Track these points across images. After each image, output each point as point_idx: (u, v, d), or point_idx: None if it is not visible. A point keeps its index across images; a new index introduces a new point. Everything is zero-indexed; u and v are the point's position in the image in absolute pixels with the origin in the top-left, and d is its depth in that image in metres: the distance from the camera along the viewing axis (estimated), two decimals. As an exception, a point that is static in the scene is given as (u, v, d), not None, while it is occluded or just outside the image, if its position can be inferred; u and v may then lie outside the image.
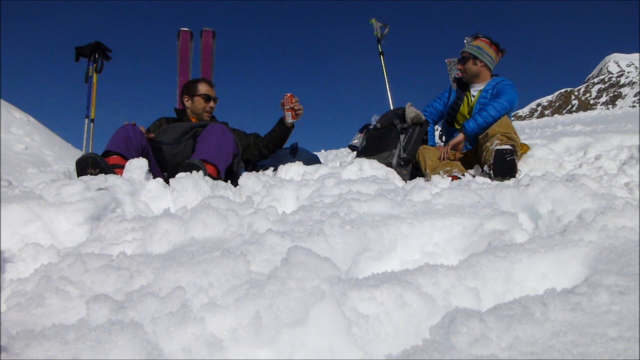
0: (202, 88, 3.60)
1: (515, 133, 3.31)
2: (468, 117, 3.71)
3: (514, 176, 2.99)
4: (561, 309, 0.87)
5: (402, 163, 3.46)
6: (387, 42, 6.00)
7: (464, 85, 3.87)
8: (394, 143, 3.51)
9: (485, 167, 3.09)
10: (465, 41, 5.07)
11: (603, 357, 0.72)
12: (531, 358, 0.74)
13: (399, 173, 3.27)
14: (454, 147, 3.47)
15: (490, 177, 3.03)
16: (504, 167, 2.97)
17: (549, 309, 0.87)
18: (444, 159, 3.42)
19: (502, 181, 2.88)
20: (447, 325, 0.85)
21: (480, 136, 3.30)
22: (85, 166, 2.67)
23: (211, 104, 3.55)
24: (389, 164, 3.36)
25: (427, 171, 3.37)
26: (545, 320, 0.84)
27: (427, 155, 3.46)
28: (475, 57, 3.70)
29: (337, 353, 0.83)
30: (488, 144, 3.15)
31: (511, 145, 3.09)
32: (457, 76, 3.96)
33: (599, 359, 0.72)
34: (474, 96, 3.74)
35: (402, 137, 3.53)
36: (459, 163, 3.44)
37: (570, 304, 0.88)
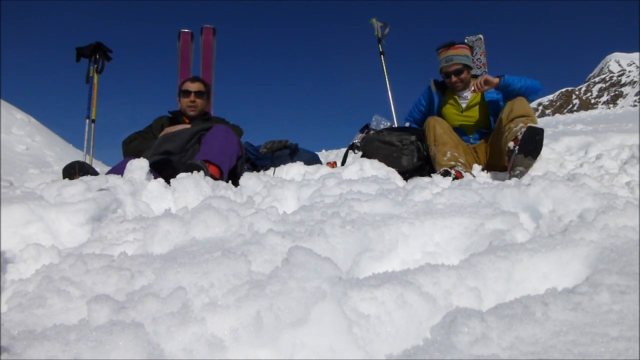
0: (184, 85, 3.66)
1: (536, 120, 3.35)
2: (458, 119, 3.71)
3: (536, 157, 3.02)
4: (562, 308, 0.87)
5: (425, 154, 3.55)
6: (387, 42, 6.01)
7: (443, 87, 3.85)
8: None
9: (511, 143, 3.09)
10: (465, 41, 5.06)
11: (604, 357, 0.72)
12: (532, 358, 0.74)
13: (410, 152, 3.48)
14: (487, 82, 3.43)
15: (509, 155, 3.07)
16: (530, 145, 2.98)
17: (550, 308, 0.87)
18: (475, 89, 3.48)
19: (524, 159, 2.97)
20: (448, 325, 0.85)
21: (504, 115, 3.31)
22: (72, 173, 2.72)
23: (191, 97, 3.56)
24: (411, 142, 3.54)
25: (436, 145, 3.39)
26: (546, 320, 0.84)
27: (437, 125, 3.48)
28: (468, 67, 3.68)
29: (338, 353, 0.83)
30: (512, 124, 3.19)
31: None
32: (451, 83, 3.84)
33: (600, 359, 0.72)
34: (466, 99, 3.73)
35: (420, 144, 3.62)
36: (466, 152, 3.45)
37: (571, 304, 0.88)
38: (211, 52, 5.32)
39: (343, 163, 4.08)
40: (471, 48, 3.79)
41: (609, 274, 0.98)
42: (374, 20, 5.97)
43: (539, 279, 1.11)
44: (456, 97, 3.74)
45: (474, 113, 3.68)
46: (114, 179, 2.24)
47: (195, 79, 3.71)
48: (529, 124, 3.06)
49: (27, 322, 1.00)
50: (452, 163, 3.24)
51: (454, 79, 3.65)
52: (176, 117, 3.62)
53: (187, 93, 3.59)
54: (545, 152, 3.75)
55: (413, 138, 3.61)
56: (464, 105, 3.73)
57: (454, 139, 3.45)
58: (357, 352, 0.84)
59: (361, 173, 3.01)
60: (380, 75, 5.86)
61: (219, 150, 3.07)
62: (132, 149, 3.37)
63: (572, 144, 4.23)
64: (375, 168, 3.12)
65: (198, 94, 3.57)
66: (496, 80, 3.40)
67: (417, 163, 3.54)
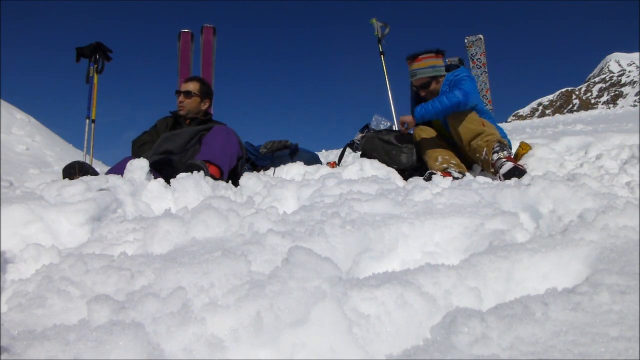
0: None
1: (484, 123, 3.28)
2: (439, 128, 3.65)
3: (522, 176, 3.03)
4: (562, 308, 0.87)
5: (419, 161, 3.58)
6: (387, 41, 6.01)
7: (419, 97, 3.75)
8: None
9: (496, 178, 3.10)
10: (465, 41, 5.05)
11: (604, 357, 0.72)
12: (532, 358, 0.74)
13: (409, 149, 3.54)
14: (403, 123, 3.53)
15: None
16: (515, 176, 2.96)
17: (550, 308, 0.87)
18: (402, 132, 3.55)
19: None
20: (448, 325, 0.85)
21: (455, 137, 3.33)
22: (72, 173, 2.72)
23: (180, 98, 3.57)
24: (410, 141, 3.58)
25: (426, 154, 3.40)
26: (546, 320, 0.84)
27: (423, 134, 3.48)
28: (435, 77, 3.53)
29: (338, 353, 0.83)
30: (477, 155, 3.21)
31: (499, 145, 3.11)
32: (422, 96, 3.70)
33: (600, 359, 0.72)
34: None
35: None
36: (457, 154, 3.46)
37: (571, 304, 0.88)
38: (211, 51, 5.32)
39: (340, 159, 4.09)
40: (442, 53, 3.60)
41: (609, 274, 0.98)
42: (374, 20, 5.98)
43: (539, 279, 1.10)
44: None
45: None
46: (114, 179, 2.24)
47: (189, 79, 3.70)
48: (504, 172, 2.97)
49: (27, 322, 1.00)
50: (445, 166, 3.23)
51: (422, 92, 3.57)
52: (176, 118, 3.63)
53: (177, 93, 3.62)
54: (545, 152, 3.75)
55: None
56: None
57: (442, 144, 3.42)
58: (357, 352, 0.84)
59: (361, 173, 3.01)
60: (380, 75, 5.86)
61: (220, 151, 3.07)
62: (141, 153, 3.37)
63: (572, 143, 4.23)
64: (375, 168, 3.12)
65: (186, 94, 3.56)
66: (410, 118, 3.47)
67: (416, 162, 3.55)
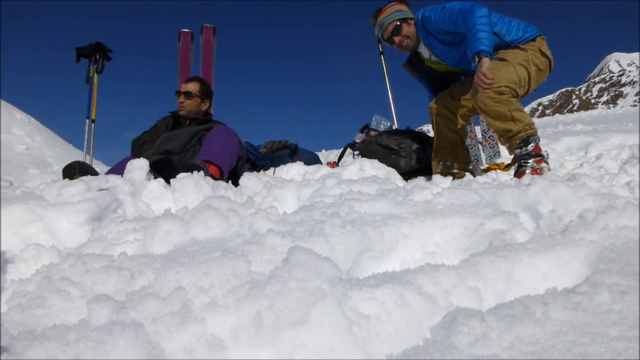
0: (180, 86, 3.71)
1: (513, 117, 2.84)
2: (437, 67, 3.42)
3: None
4: (562, 308, 0.87)
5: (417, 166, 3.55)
6: (387, 41, 6.00)
7: (413, 61, 3.52)
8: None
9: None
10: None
11: (604, 357, 0.72)
12: (532, 358, 0.74)
13: (408, 154, 3.50)
14: (485, 76, 2.77)
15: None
16: None
17: (550, 308, 0.87)
18: (483, 89, 2.80)
19: None
20: (448, 325, 0.85)
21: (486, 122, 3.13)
22: (72, 173, 2.72)
23: (180, 98, 3.58)
24: (409, 146, 3.53)
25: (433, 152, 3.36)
26: (546, 320, 0.84)
27: (435, 120, 3.34)
28: (405, 19, 3.25)
29: (338, 353, 0.83)
30: (505, 144, 3.00)
31: (523, 142, 2.86)
32: (400, 46, 3.37)
33: (600, 359, 0.72)
34: (425, 53, 3.36)
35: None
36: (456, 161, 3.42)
37: (571, 304, 0.88)
38: (211, 51, 5.32)
39: (339, 159, 4.09)
40: (405, 3, 3.37)
41: (609, 273, 0.98)
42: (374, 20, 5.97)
43: (539, 279, 1.10)
44: (419, 53, 3.46)
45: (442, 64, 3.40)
46: (114, 179, 2.24)
47: (189, 80, 3.71)
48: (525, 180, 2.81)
49: (27, 322, 1.00)
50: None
51: (397, 40, 3.25)
52: (176, 118, 3.63)
53: (177, 94, 3.62)
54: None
55: (415, 147, 3.59)
56: (427, 56, 3.40)
57: (448, 138, 3.30)
58: (357, 352, 0.84)
59: (361, 173, 3.01)
60: (380, 75, 5.86)
61: (220, 151, 3.07)
62: (141, 153, 3.37)
63: (572, 143, 4.24)
64: (375, 168, 3.12)
65: (186, 94, 3.57)
66: (487, 62, 2.78)
67: (414, 166, 3.54)
